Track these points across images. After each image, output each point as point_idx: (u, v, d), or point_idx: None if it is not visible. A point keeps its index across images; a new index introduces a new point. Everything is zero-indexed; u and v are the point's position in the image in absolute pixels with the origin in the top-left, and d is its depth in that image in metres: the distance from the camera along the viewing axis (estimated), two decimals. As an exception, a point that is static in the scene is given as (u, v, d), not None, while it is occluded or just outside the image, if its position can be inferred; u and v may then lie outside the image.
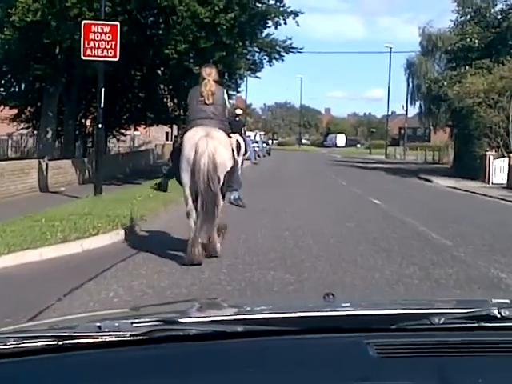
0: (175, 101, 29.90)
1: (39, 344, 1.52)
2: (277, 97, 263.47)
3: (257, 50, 30.31)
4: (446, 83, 38.23)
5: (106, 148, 31.07)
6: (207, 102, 8.23)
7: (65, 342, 1.51)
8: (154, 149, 44.68)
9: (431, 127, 59.83)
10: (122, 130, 33.72)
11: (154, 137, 53.45)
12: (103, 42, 15.77)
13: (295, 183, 24.01)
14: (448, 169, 41.51)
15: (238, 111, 21.44)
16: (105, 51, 15.80)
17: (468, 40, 37.90)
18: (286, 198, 17.71)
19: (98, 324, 1.60)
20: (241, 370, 1.45)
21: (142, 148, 46.16)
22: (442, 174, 34.03)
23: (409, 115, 69.08)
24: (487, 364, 1.49)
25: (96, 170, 16.44)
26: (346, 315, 1.88)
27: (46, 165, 19.54)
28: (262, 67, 32.10)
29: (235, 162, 8.54)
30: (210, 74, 8.42)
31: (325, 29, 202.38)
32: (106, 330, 1.56)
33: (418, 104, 56.47)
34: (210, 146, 7.93)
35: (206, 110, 8.22)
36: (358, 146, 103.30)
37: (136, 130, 36.03)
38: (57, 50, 21.06)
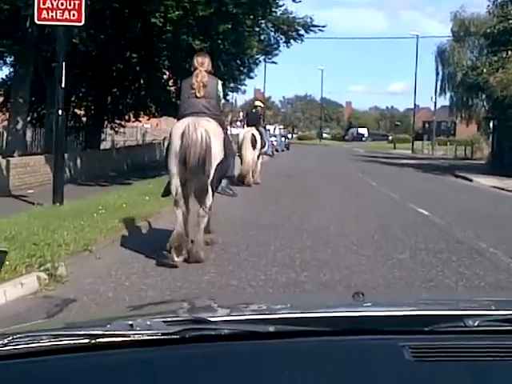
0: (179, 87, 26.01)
1: (72, 342, 1.51)
2: (296, 89, 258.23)
3: (271, 28, 26.43)
4: (485, 70, 34.06)
5: (99, 141, 27.23)
6: (198, 95, 7.73)
7: (97, 340, 1.51)
8: (161, 143, 40.78)
9: (462, 120, 55.39)
10: (121, 122, 29.79)
11: (163, 130, 49.63)
12: (63, 2, 11.90)
13: (316, 184, 19.98)
14: (483, 165, 37.82)
15: (257, 103, 20.56)
16: (66, 13, 11.91)
17: (510, 22, 33.88)
18: (305, 206, 13.72)
19: (131, 322, 1.58)
20: (273, 371, 1.43)
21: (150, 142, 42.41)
22: (478, 172, 30.31)
23: (433, 108, 64.70)
24: None
25: (55, 172, 12.53)
26: (379, 316, 1.81)
27: (7, 162, 15.71)
28: (279, 50, 28.09)
29: (227, 153, 7.90)
30: (202, 63, 7.94)
31: (346, 23, 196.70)
32: (138, 328, 1.55)
33: (448, 95, 52.39)
34: (199, 129, 7.36)
35: (197, 104, 7.72)
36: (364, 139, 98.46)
37: (138, 121, 31.99)
38: (27, 24, 17.27)
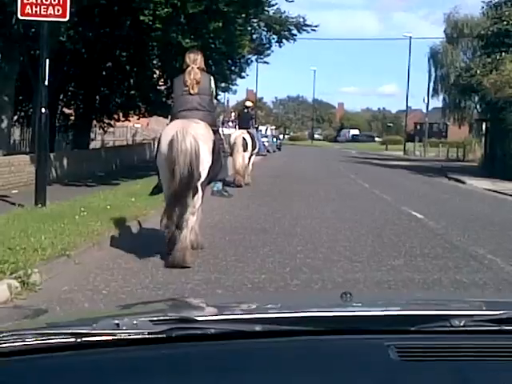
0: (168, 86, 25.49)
1: (58, 341, 1.49)
2: (289, 90, 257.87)
3: (264, 28, 26.09)
4: (479, 71, 33.75)
5: (88, 141, 26.76)
6: (192, 92, 7.71)
7: (84, 339, 1.50)
8: (151, 143, 40.31)
9: (454, 122, 55.10)
10: (110, 121, 29.26)
11: (153, 129, 49.14)
12: (48, -4, 11.49)
13: (308, 186, 19.60)
14: (476, 167, 37.57)
15: (248, 103, 20.73)
16: (50, 8, 11.50)
17: (504, 23, 33.57)
18: (297, 208, 13.36)
19: (117, 321, 1.56)
20: (259, 370, 1.42)
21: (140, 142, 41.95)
22: (471, 174, 30.06)
23: (425, 110, 64.40)
24: (510, 369, 1.45)
25: (37, 171, 12.11)
26: (365, 315, 1.83)
27: (-11, 162, 15.29)
28: (271, 50, 27.75)
29: (216, 156, 7.72)
30: (194, 60, 7.92)
31: (340, 25, 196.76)
32: (124, 327, 1.53)
33: (440, 97, 52.12)
34: (188, 138, 7.22)
35: (191, 101, 7.69)
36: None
37: (128, 120, 31.49)
38: (13, 20, 16.83)
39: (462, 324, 1.60)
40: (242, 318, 1.76)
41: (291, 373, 1.40)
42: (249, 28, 22.55)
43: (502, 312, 1.69)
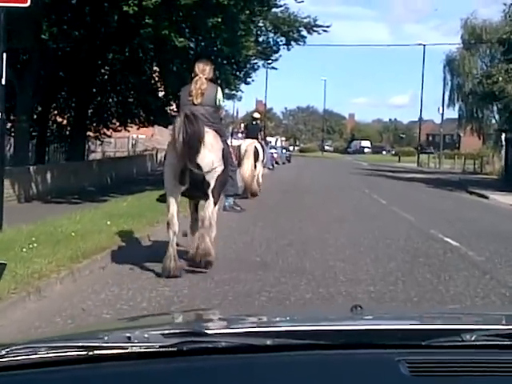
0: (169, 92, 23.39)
1: (70, 354, 1.48)
2: (298, 101, 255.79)
3: (271, 29, 24.06)
4: (501, 78, 31.57)
5: (83, 152, 24.67)
6: (195, 102, 7.67)
7: (95, 352, 1.48)
8: (153, 154, 38.33)
9: (472, 132, 52.87)
10: (107, 131, 27.16)
11: (156, 140, 47.26)
12: (3, -22, 9.54)
13: (319, 202, 17.56)
14: (495, 180, 35.57)
15: (256, 115, 20.50)
16: (7, -8, 9.55)
17: (527, 28, 31.50)
18: (306, 232, 11.26)
19: (128, 335, 1.55)
20: None
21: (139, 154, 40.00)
22: (492, 187, 28.11)
23: (438, 121, 62.27)
24: None
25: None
26: (376, 329, 1.77)
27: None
28: (279, 54, 25.64)
29: (228, 166, 7.74)
30: (203, 70, 7.87)
31: (351, 36, 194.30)
32: (136, 340, 1.52)
33: (456, 107, 49.96)
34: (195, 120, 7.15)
35: (194, 112, 7.45)
36: (384, 152, 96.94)
37: (127, 130, 29.38)
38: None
39: (473, 339, 1.56)
40: (252, 331, 1.72)
41: None
42: (254, 28, 20.55)
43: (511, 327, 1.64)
